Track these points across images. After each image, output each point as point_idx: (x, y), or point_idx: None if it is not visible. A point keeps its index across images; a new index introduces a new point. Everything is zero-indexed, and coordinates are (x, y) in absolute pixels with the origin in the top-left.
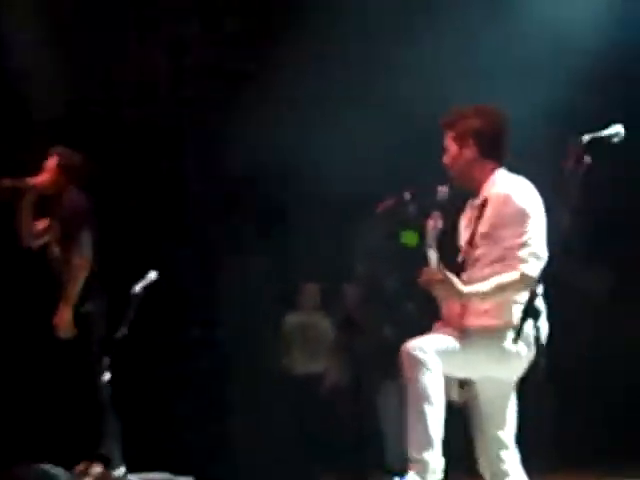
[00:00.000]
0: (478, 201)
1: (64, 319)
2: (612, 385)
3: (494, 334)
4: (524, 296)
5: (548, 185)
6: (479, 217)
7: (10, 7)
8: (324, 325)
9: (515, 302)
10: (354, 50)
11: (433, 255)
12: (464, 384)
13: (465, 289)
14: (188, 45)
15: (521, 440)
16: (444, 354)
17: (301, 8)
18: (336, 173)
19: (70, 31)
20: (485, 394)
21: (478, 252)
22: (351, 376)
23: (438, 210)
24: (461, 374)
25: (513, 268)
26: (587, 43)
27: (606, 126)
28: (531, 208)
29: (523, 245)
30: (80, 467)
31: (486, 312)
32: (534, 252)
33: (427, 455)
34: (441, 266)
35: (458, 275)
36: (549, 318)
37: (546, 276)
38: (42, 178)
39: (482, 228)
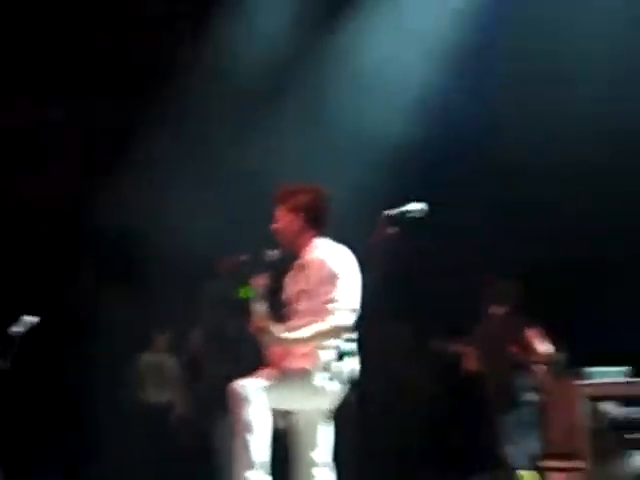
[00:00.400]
0: (301, 263)
1: None
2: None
3: (307, 374)
4: (334, 342)
5: (363, 251)
6: (302, 276)
7: None
8: (171, 364)
9: (325, 347)
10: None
11: (260, 308)
12: (286, 414)
13: (284, 336)
14: None
15: (337, 459)
16: (266, 390)
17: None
18: (189, 237)
19: None
20: (301, 422)
21: (299, 305)
22: (194, 409)
23: (269, 269)
24: (282, 406)
25: (325, 319)
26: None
27: (408, 203)
28: (343, 270)
29: (334, 301)
30: None
31: (302, 355)
32: (344, 307)
33: (252, 476)
34: (266, 317)
35: (283, 323)
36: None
37: (358, 326)
38: None
39: (303, 286)
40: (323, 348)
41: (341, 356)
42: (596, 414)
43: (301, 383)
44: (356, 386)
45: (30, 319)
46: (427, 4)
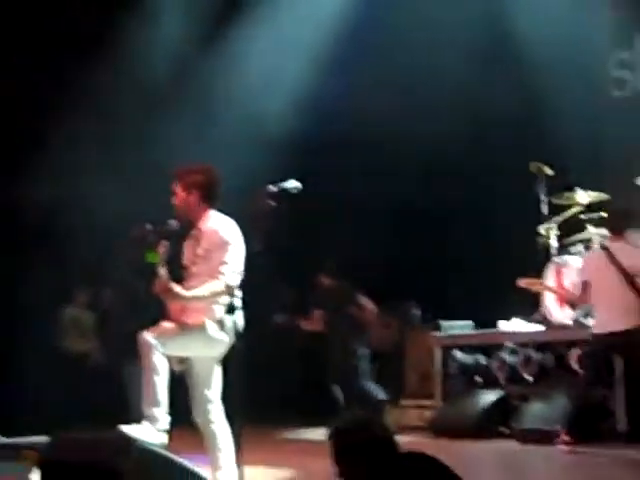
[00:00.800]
0: (196, 232)
1: None
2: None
3: (202, 326)
4: (224, 299)
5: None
6: (197, 244)
7: None
8: (88, 317)
9: (217, 303)
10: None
11: (163, 271)
12: (183, 360)
13: (184, 294)
14: None
15: (225, 399)
16: (168, 340)
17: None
18: (104, 209)
19: None
20: (197, 366)
21: (195, 268)
22: (109, 355)
23: (170, 236)
24: (181, 353)
25: (218, 280)
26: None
27: (286, 180)
28: (231, 239)
29: (224, 264)
30: None
31: (197, 310)
32: (232, 269)
33: (156, 411)
34: (168, 278)
35: (182, 284)
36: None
37: (242, 285)
38: None
39: (198, 252)
40: (215, 304)
41: (230, 311)
42: (447, 360)
43: (197, 334)
44: (242, 335)
45: None
46: (301, 13)
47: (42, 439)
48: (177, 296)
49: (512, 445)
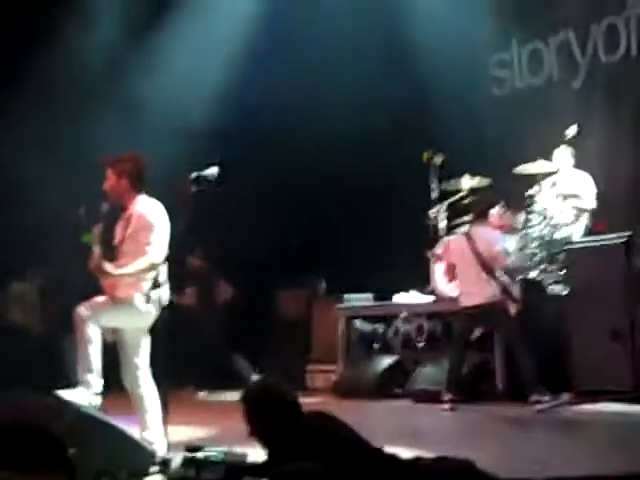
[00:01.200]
0: (126, 215)
1: None
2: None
3: (131, 300)
4: (150, 275)
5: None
6: (127, 225)
7: None
8: (32, 292)
9: (144, 279)
10: None
11: (96, 249)
12: (115, 330)
13: (114, 271)
14: None
15: (152, 363)
16: (100, 312)
17: None
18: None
19: None
20: (126, 335)
21: (125, 247)
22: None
23: (103, 219)
24: (113, 324)
25: (144, 258)
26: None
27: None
28: (157, 221)
29: (150, 244)
30: None
31: (127, 286)
32: (157, 248)
33: (90, 377)
34: (101, 256)
35: (113, 262)
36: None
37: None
38: None
39: (128, 232)
40: (143, 280)
41: (155, 286)
42: (349, 329)
43: (127, 307)
44: (167, 307)
45: None
46: (224, 10)
47: None
48: (108, 273)
49: (405, 404)
